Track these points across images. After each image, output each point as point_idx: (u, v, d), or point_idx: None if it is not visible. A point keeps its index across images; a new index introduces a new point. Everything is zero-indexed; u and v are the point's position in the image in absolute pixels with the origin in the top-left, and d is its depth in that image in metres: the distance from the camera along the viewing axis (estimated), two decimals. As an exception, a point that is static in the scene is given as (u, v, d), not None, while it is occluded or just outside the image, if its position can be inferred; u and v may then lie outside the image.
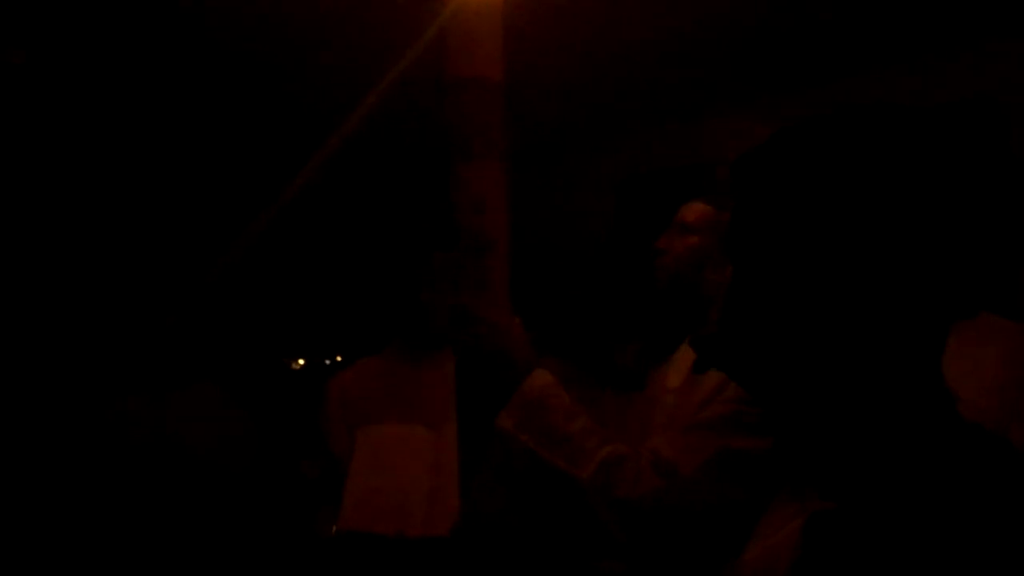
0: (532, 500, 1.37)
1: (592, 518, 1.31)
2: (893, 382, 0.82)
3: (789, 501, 0.91)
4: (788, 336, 0.84)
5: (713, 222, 1.83)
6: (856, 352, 0.82)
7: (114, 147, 4.36)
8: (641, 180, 4.23)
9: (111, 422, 2.60)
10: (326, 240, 5.05)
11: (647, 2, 2.85)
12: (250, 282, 4.80)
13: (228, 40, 3.08)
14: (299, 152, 4.11)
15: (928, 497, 0.79)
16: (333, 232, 4.98)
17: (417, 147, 3.57)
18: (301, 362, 5.47)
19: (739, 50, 3.24)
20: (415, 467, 2.32)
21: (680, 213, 1.89)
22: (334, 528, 2.32)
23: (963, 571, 0.75)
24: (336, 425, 2.44)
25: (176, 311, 2.97)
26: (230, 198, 4.72)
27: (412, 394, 2.41)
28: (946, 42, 3.07)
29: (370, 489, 2.33)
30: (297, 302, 5.20)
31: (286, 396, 4.36)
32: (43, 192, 4.41)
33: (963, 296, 0.84)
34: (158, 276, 3.37)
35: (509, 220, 1.45)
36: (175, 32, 3.10)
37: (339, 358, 5.33)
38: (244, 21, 2.92)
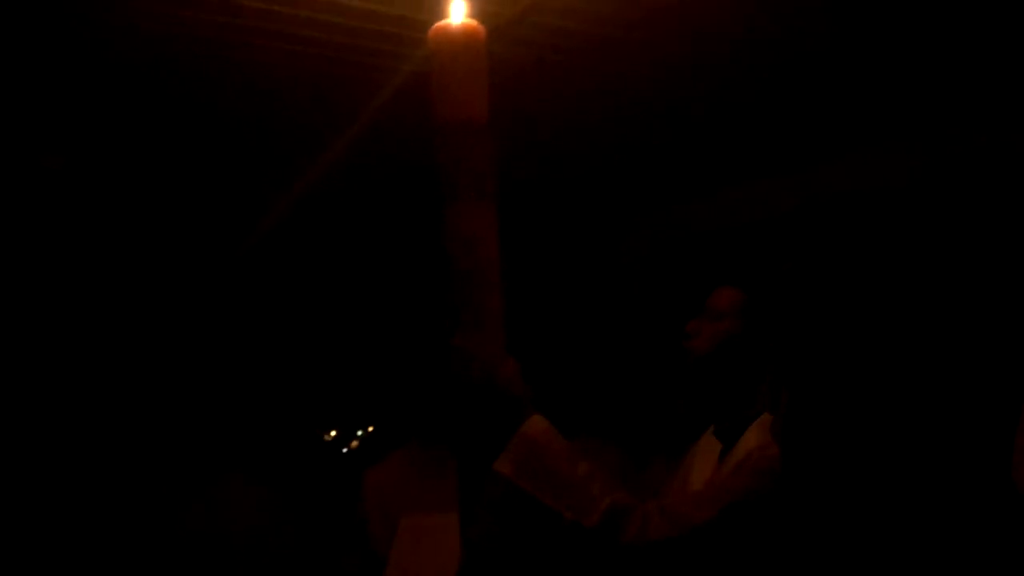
0: (532, 543, 1.32)
1: (596, 565, 1.28)
2: (964, 467, 0.88)
3: None
4: (862, 420, 0.88)
5: (743, 309, 1.88)
6: (930, 432, 0.87)
7: (149, 241, 4.49)
8: (665, 256, 4.28)
9: (154, 522, 2.64)
10: (351, 308, 5.16)
11: (666, 85, 2.94)
12: (282, 355, 4.90)
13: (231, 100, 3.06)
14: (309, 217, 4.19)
15: None
16: (356, 300, 5.10)
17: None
18: (333, 433, 5.54)
19: (756, 123, 3.31)
20: (455, 548, 2.39)
21: (712, 299, 1.94)
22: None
23: None
24: (376, 523, 2.52)
25: (212, 394, 3.07)
26: (257, 280, 4.85)
27: (446, 483, 2.48)
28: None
29: (412, 568, 2.42)
30: (327, 374, 5.29)
31: (320, 471, 4.43)
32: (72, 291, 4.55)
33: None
34: (195, 362, 3.48)
35: (500, 258, 1.44)
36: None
37: (371, 428, 5.40)
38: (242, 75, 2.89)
